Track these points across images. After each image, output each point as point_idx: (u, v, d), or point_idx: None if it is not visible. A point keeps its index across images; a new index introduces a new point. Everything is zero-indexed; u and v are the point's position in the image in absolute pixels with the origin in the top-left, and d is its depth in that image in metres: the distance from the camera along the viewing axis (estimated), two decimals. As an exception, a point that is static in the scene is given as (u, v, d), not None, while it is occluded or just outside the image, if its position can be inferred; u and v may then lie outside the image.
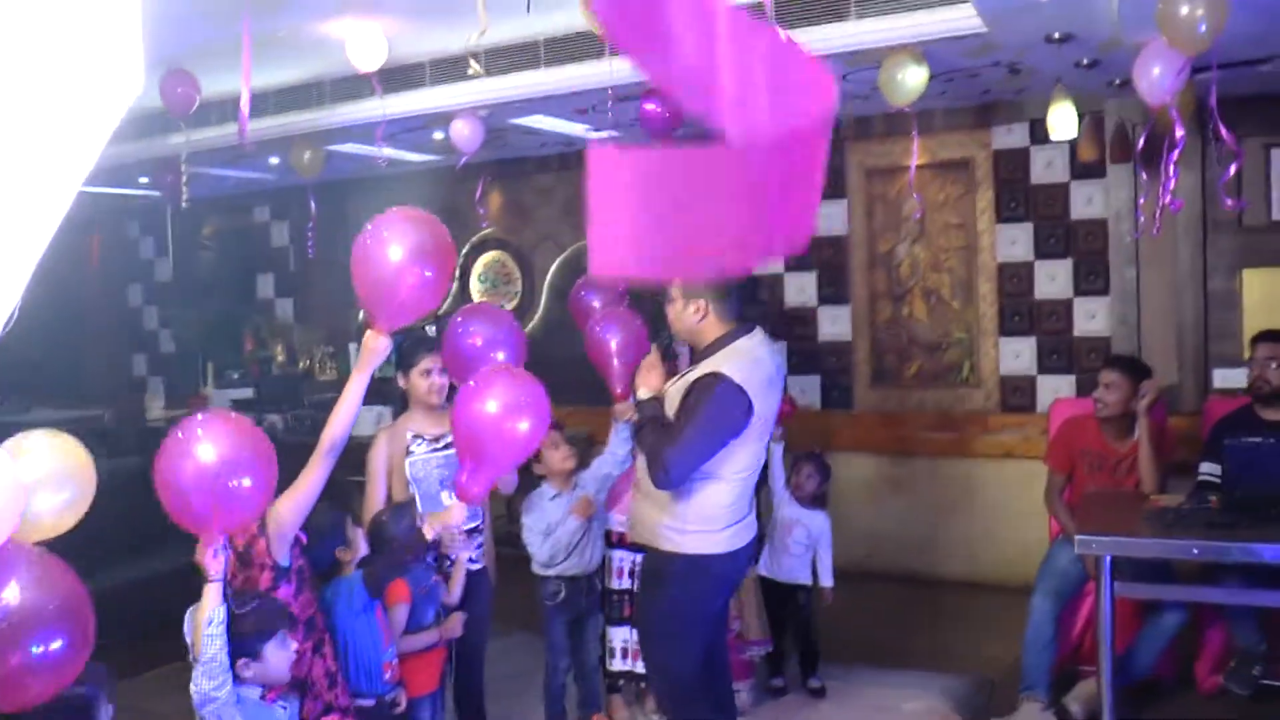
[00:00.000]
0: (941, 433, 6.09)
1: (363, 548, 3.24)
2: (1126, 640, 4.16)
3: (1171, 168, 3.17)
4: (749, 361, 3.23)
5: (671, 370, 3.54)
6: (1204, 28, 2.97)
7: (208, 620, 2.35)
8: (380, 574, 3.16)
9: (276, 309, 8.46)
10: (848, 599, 4.62)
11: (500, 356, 3.41)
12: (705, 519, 3.22)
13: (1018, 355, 5.91)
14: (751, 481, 3.35)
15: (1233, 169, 3.21)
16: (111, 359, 9.18)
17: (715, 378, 3.14)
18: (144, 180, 7.15)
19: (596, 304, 4.21)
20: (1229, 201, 3.77)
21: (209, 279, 8.69)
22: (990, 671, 4.71)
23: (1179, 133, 3.04)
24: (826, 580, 4.55)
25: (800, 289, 6.50)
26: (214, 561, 2.35)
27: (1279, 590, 3.68)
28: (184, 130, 5.52)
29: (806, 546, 4.54)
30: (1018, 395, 5.93)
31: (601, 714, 4.25)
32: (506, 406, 2.96)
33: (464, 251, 7.43)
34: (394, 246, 2.77)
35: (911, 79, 4.29)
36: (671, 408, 3.23)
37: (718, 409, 3.12)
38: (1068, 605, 4.28)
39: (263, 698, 2.56)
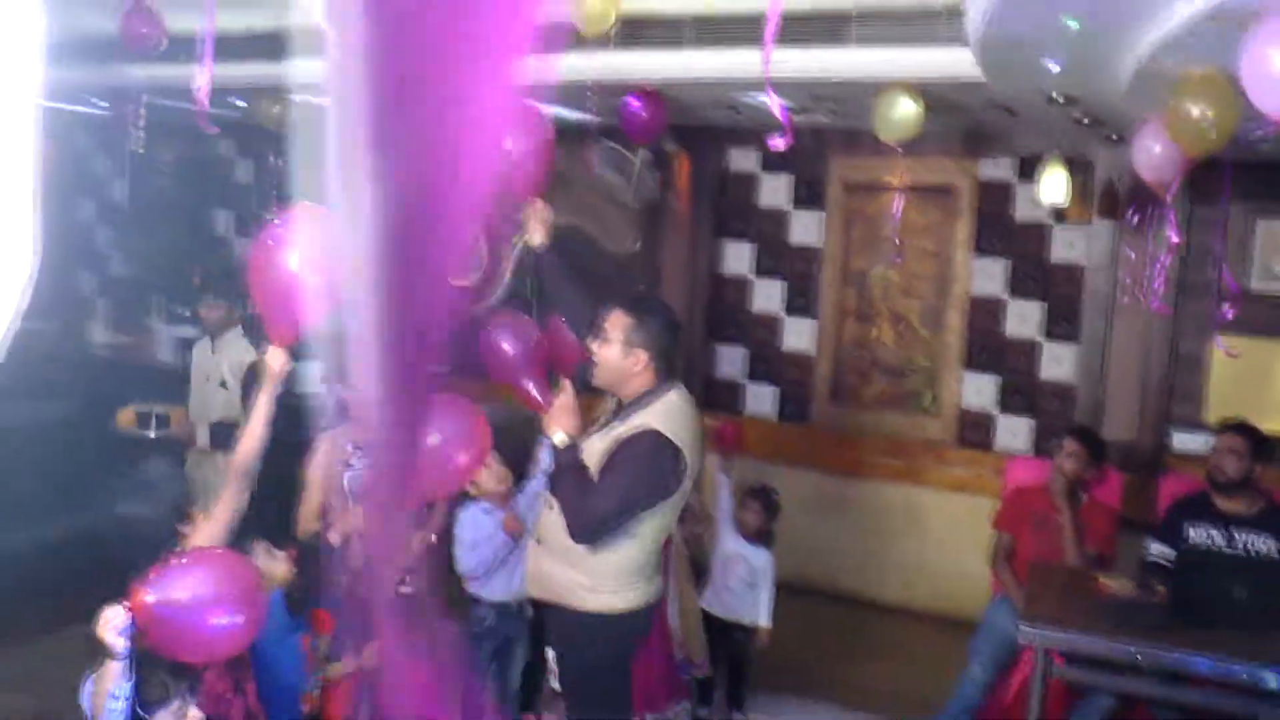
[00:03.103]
0: (894, 458, 6.02)
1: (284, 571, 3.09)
2: (1057, 715, 4.13)
3: (1161, 265, 3.06)
4: (682, 418, 3.08)
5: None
6: (1214, 135, 2.84)
7: (111, 694, 2.20)
8: (304, 596, 3.03)
9: (236, 248, 8.16)
10: (781, 614, 4.53)
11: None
12: (618, 576, 3.08)
13: (979, 391, 5.83)
14: (664, 538, 3.23)
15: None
16: (56, 273, 8.85)
17: (651, 434, 2.98)
18: (102, 104, 6.84)
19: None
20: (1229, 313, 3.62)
21: (165, 207, 8.36)
22: (911, 712, 4.68)
23: (1174, 239, 2.91)
24: (764, 620, 4.47)
25: (768, 295, 6.37)
26: (118, 639, 2.20)
27: (1208, 689, 3.65)
28: (145, 66, 5.26)
29: (749, 584, 4.44)
30: (975, 431, 5.86)
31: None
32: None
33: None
34: (294, 252, 2.54)
35: (904, 115, 4.14)
36: (593, 459, 3.03)
37: (651, 467, 2.98)
38: (1003, 669, 4.24)
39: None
